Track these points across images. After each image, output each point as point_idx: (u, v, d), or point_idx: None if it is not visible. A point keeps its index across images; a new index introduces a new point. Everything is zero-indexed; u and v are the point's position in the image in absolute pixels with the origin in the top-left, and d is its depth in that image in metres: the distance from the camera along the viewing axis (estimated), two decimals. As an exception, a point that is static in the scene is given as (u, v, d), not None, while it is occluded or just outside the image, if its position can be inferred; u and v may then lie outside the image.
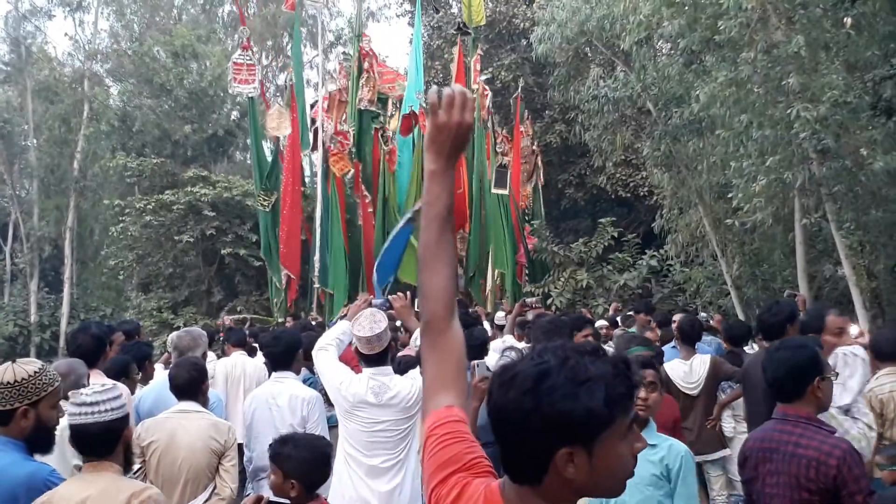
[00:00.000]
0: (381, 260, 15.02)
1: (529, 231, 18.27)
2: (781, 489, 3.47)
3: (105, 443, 3.30)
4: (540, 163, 19.98)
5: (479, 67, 18.57)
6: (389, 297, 5.66)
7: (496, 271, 17.24)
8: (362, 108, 17.55)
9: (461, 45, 18.38)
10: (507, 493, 1.74)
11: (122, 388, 5.36)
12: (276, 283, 17.73)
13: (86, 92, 30.40)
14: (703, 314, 9.81)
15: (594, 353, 1.70)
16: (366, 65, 17.34)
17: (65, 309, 29.40)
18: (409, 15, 30.36)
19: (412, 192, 17.36)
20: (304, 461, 3.74)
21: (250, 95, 18.11)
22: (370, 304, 5.44)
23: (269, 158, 18.93)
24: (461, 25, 18.71)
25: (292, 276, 17.24)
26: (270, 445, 3.83)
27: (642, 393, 3.82)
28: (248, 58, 17.88)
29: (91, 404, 3.27)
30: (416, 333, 5.35)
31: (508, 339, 8.27)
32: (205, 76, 29.15)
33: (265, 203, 17.08)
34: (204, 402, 5.04)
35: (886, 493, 4.41)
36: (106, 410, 3.27)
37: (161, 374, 6.36)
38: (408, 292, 6.50)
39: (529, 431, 1.66)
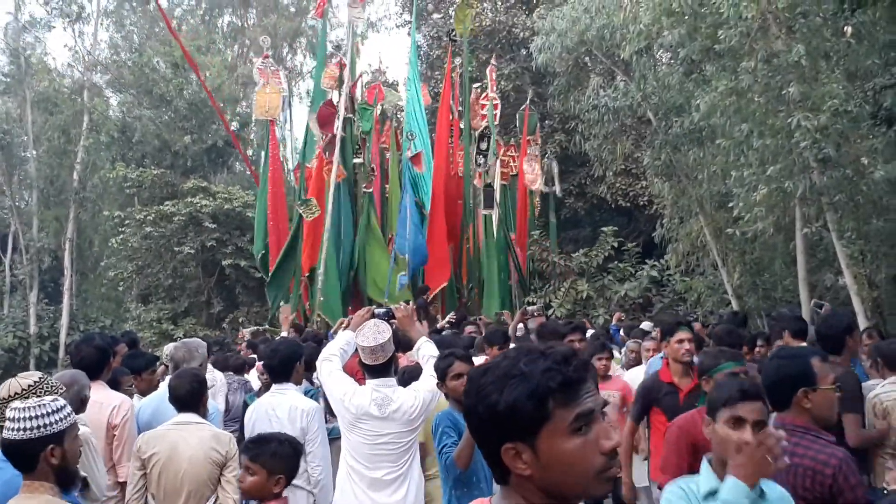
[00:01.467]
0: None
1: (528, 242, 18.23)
2: (778, 499, 3.44)
3: (21, 460, 3.27)
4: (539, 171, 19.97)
5: (494, 77, 18.70)
6: (392, 306, 5.64)
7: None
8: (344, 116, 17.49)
9: (450, 53, 18.44)
10: (495, 496, 1.81)
11: (121, 398, 5.38)
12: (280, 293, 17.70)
13: (85, 103, 30.46)
14: None
15: (536, 352, 1.73)
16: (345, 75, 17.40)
17: (64, 320, 29.37)
18: (409, 25, 30.42)
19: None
20: (291, 456, 3.83)
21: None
22: (373, 315, 5.43)
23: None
24: (451, 33, 18.74)
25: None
26: (248, 448, 3.84)
27: (746, 434, 3.06)
28: (270, 65, 18.08)
29: (11, 419, 3.25)
30: (418, 344, 5.33)
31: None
32: (204, 87, 29.20)
33: (312, 211, 16.75)
34: (204, 413, 5.03)
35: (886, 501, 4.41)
36: (20, 429, 3.22)
37: (162, 385, 6.33)
38: (410, 303, 6.48)
39: (473, 429, 1.76)
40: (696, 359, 5.57)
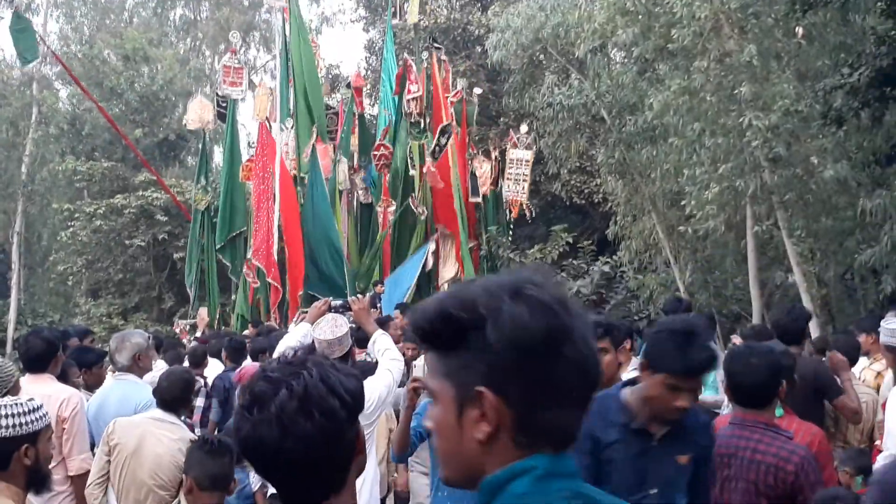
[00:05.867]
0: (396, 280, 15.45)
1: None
2: (740, 495, 3.42)
3: None
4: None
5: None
6: (349, 298, 5.57)
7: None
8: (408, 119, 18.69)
9: (436, 58, 18.66)
10: None
11: (70, 391, 5.27)
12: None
13: (34, 95, 29.84)
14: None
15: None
16: (415, 81, 18.42)
17: (11, 315, 28.77)
18: (364, 20, 30.33)
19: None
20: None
21: (238, 98, 18.75)
22: (330, 307, 5.39)
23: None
24: (432, 38, 18.92)
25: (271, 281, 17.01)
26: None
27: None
28: (236, 61, 18.44)
29: None
30: (373, 338, 5.28)
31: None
32: (156, 80, 28.86)
33: None
34: (183, 414, 5.04)
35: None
36: None
37: (108, 380, 6.20)
38: (367, 295, 6.46)
39: None
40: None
